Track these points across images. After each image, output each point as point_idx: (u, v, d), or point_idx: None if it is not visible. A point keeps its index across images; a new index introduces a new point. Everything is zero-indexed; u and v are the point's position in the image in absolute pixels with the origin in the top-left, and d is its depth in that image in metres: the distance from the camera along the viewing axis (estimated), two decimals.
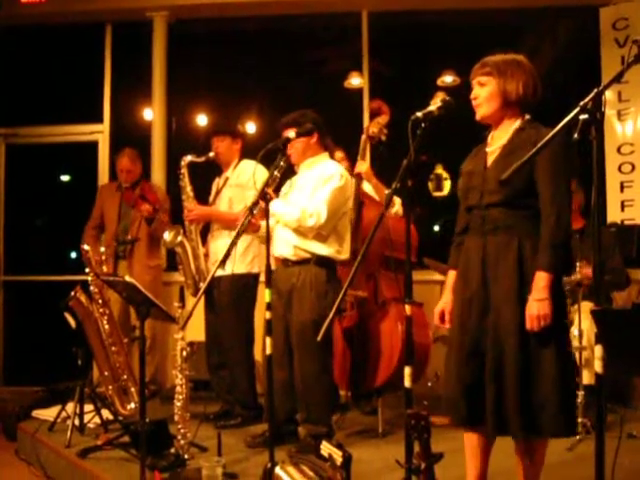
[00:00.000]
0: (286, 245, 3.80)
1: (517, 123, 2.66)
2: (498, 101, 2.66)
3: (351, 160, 4.69)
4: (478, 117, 2.74)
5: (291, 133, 3.43)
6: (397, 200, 4.48)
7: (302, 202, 3.73)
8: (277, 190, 3.81)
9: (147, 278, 5.15)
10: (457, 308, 2.73)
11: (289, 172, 3.92)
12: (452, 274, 2.83)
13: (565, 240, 2.53)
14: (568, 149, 2.52)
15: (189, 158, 4.51)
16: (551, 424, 2.49)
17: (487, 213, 2.63)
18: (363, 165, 4.38)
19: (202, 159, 4.51)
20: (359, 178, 4.34)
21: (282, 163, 3.33)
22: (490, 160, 2.68)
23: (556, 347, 2.50)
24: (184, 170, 4.50)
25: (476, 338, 2.60)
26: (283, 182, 3.95)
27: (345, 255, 3.91)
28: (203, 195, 4.65)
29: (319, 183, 3.77)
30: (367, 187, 4.58)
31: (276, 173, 3.37)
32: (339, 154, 4.74)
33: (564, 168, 2.54)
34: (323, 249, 3.78)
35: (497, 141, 2.69)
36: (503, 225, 2.60)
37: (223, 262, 3.26)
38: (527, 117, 2.68)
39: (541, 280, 2.48)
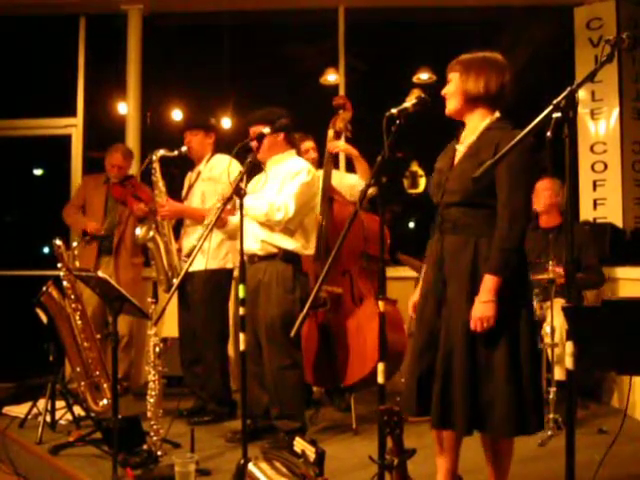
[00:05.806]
0: (254, 240, 3.78)
1: (486, 122, 2.66)
2: (460, 98, 2.68)
3: (319, 152, 4.66)
4: (446, 112, 2.76)
5: (266, 129, 3.43)
6: None
7: (270, 196, 3.73)
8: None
9: (130, 275, 5.15)
10: (419, 301, 2.77)
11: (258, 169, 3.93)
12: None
13: (516, 244, 2.51)
14: (531, 153, 2.51)
15: (161, 152, 4.44)
16: (500, 424, 2.50)
17: (447, 212, 2.65)
18: (339, 143, 4.35)
19: (174, 153, 4.46)
20: (329, 164, 4.30)
21: (249, 159, 3.31)
22: (457, 159, 2.69)
23: (507, 348, 2.50)
24: (156, 165, 4.43)
25: (431, 332, 2.63)
26: (250, 179, 3.96)
27: (310, 250, 3.92)
28: (177, 189, 4.62)
29: (287, 178, 3.78)
30: (336, 178, 4.51)
31: (242, 169, 3.36)
32: (309, 143, 4.70)
33: (524, 172, 2.52)
34: (290, 243, 3.78)
35: (466, 140, 2.70)
36: (461, 224, 2.61)
37: (191, 258, 3.25)
38: (497, 115, 2.67)
39: (488, 282, 2.49)
